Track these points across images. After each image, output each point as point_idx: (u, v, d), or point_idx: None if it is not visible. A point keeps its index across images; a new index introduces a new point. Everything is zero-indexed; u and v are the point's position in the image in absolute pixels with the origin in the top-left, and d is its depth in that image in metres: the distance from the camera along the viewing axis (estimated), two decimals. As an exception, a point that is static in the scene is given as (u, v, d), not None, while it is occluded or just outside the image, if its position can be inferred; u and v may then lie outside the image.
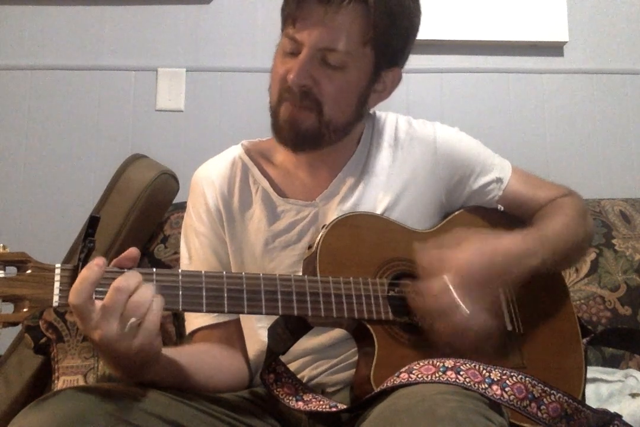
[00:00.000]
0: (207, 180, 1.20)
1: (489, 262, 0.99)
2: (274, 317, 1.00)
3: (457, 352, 0.91)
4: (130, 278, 0.84)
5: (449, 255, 0.98)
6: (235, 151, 1.24)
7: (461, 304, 0.94)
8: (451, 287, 0.94)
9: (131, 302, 0.83)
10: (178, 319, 1.42)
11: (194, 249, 1.19)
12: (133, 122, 2.04)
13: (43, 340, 1.40)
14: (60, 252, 1.45)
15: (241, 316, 1.17)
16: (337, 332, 1.09)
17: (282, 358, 1.04)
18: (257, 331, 1.13)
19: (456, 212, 1.19)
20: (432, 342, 0.96)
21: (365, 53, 1.07)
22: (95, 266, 0.83)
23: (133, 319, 0.82)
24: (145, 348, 0.85)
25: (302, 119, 1.08)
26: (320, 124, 1.09)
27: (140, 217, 1.47)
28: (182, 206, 1.40)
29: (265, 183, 1.18)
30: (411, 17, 1.10)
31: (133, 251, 0.88)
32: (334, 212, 1.14)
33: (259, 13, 2.08)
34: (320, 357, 1.10)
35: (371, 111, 1.23)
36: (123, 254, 0.88)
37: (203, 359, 1.08)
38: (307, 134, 1.09)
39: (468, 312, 0.94)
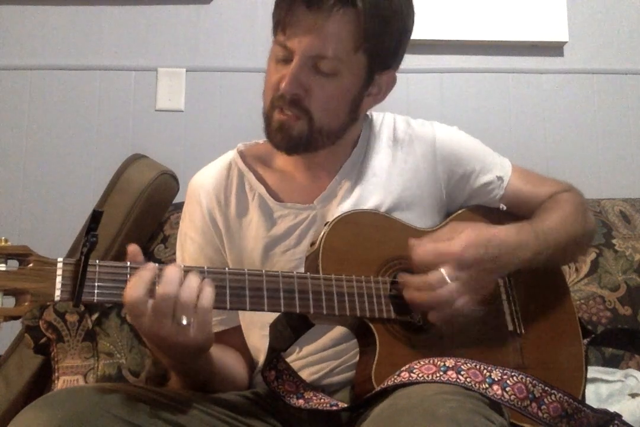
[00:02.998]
0: (203, 190, 1.20)
1: (483, 254, 0.99)
2: None
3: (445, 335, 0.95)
4: (172, 281, 0.85)
5: (444, 247, 0.98)
6: (231, 157, 1.23)
7: (459, 296, 0.96)
8: (448, 280, 0.96)
9: (179, 303, 0.85)
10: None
11: (189, 257, 1.19)
12: (133, 122, 2.04)
13: (43, 340, 1.40)
14: (60, 254, 1.45)
15: (245, 323, 1.18)
16: (339, 334, 1.09)
17: (283, 360, 1.05)
18: (260, 339, 1.13)
19: (458, 211, 1.19)
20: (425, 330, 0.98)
21: (358, 58, 1.06)
22: (151, 264, 0.87)
23: (184, 320, 0.84)
24: (199, 340, 0.87)
25: (292, 126, 1.08)
26: (311, 130, 1.08)
27: (140, 217, 1.47)
28: (182, 206, 1.40)
29: (261, 189, 1.18)
30: (403, 19, 1.09)
31: (135, 247, 0.90)
32: (333, 214, 1.13)
33: (259, 13, 2.08)
34: (321, 360, 1.10)
35: (368, 112, 1.23)
36: (129, 253, 0.89)
37: (225, 357, 1.11)
38: (299, 139, 1.09)
39: (462, 304, 0.97)
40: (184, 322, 0.84)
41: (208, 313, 0.87)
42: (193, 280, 0.87)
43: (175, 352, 0.91)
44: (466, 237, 0.99)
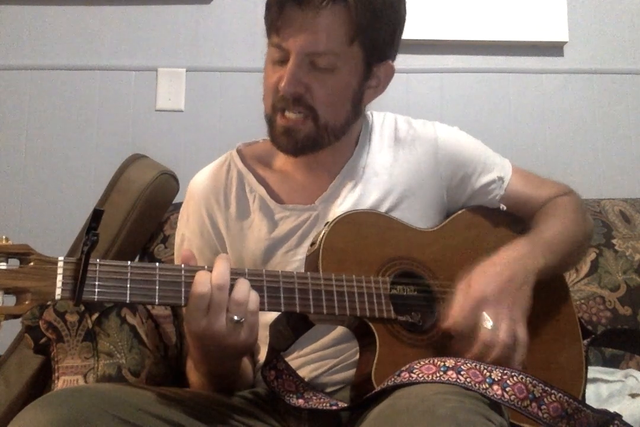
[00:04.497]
0: (203, 191, 1.20)
1: (501, 281, 0.99)
2: None
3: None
4: (224, 275, 0.88)
5: (467, 302, 0.97)
6: (230, 157, 1.23)
7: (514, 328, 0.96)
8: (490, 325, 0.95)
9: (233, 300, 0.88)
10: (178, 319, 1.42)
11: None
12: (133, 122, 2.04)
13: (43, 340, 1.40)
14: (61, 253, 1.45)
15: None
16: (338, 334, 1.09)
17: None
18: (263, 340, 1.13)
19: (459, 212, 1.19)
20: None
21: (353, 51, 1.07)
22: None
23: (236, 317, 0.87)
24: (248, 341, 0.90)
25: (299, 129, 1.08)
26: (318, 128, 1.09)
27: (140, 217, 1.47)
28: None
29: (261, 190, 1.18)
30: (395, 9, 1.09)
31: (189, 253, 0.93)
32: (334, 214, 1.13)
33: (259, 13, 2.04)
34: (321, 358, 1.10)
35: (368, 112, 1.23)
36: (183, 257, 0.93)
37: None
38: (305, 140, 1.09)
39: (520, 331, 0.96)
40: (236, 318, 0.87)
41: (255, 315, 0.90)
42: (244, 283, 0.90)
43: (221, 353, 0.92)
44: (476, 278, 0.99)
